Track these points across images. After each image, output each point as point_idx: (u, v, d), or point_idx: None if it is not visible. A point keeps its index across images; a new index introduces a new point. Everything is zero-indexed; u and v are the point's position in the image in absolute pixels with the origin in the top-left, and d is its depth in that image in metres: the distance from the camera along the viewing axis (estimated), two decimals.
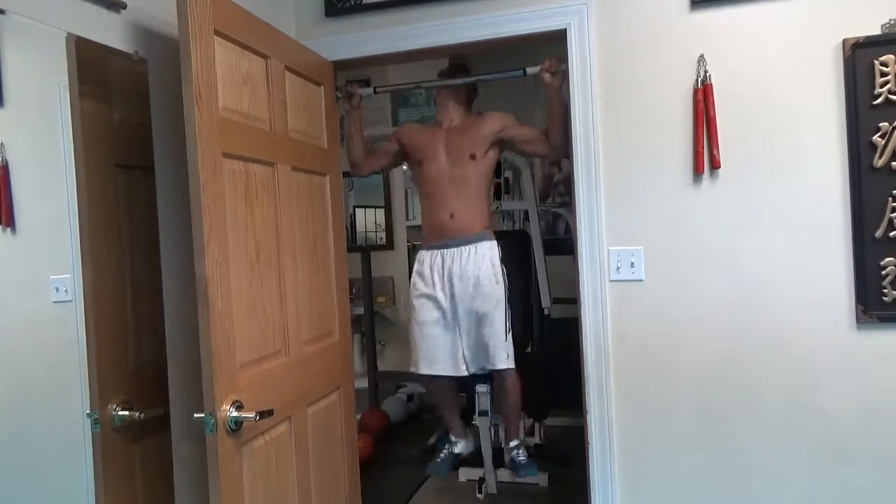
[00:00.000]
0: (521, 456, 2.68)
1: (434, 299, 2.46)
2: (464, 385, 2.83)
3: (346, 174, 2.44)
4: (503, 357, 2.46)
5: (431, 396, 2.74)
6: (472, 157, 2.45)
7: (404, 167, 2.96)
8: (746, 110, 1.99)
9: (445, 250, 2.46)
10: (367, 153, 2.65)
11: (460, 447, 2.74)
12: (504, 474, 3.08)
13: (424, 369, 2.53)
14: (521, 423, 2.87)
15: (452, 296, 2.45)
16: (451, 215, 2.45)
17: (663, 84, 2.05)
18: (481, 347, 2.47)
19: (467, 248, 2.44)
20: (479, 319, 2.44)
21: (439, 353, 2.49)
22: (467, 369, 2.54)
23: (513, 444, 2.73)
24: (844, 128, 1.92)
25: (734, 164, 2.00)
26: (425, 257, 2.51)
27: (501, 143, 2.52)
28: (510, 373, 2.54)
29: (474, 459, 3.09)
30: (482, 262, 2.43)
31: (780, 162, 1.97)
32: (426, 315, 2.48)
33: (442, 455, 2.71)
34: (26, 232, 1.47)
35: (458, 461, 2.79)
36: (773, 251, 1.99)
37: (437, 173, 2.47)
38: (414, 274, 2.55)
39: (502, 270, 2.48)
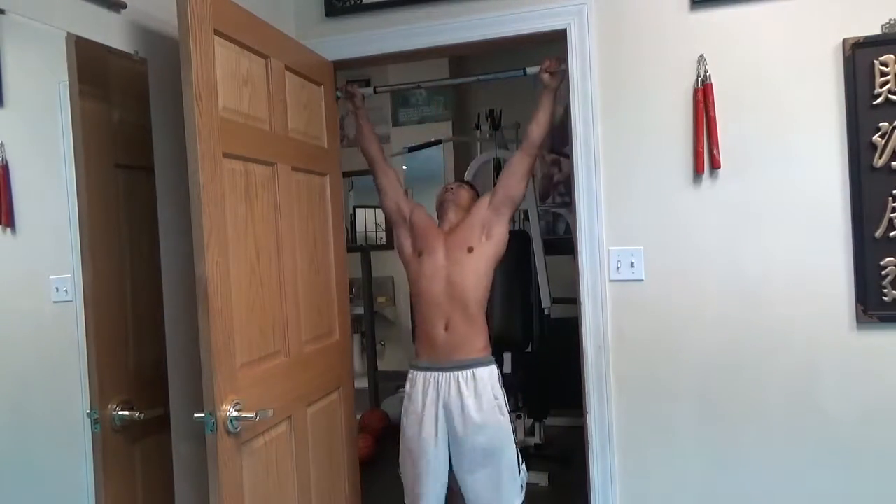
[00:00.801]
0: None
1: (426, 431, 2.16)
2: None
3: (346, 174, 2.44)
4: (516, 492, 2.16)
5: None
6: (470, 250, 2.21)
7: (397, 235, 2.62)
8: (746, 110, 1.99)
9: (441, 374, 2.16)
10: (384, 157, 2.45)
11: None
12: None
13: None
14: None
15: (450, 434, 2.14)
16: (446, 327, 2.18)
17: (663, 84, 2.05)
18: (490, 486, 2.15)
19: (464, 373, 2.14)
20: (486, 457, 2.13)
21: (437, 492, 2.19)
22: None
23: None
24: (844, 128, 1.92)
25: (734, 164, 2.00)
26: (418, 379, 2.21)
27: (502, 208, 2.26)
28: None
29: None
30: (483, 392, 2.13)
31: (780, 162, 1.97)
32: (416, 453, 2.18)
33: None
34: (26, 232, 1.47)
35: None
36: (773, 251, 1.99)
37: (433, 271, 2.23)
38: (405, 395, 2.25)
39: (505, 400, 2.18)
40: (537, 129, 2.21)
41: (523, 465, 2.21)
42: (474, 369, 2.15)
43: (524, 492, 2.21)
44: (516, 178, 2.25)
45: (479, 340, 2.20)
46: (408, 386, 2.25)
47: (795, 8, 1.95)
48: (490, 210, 2.25)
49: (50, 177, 1.53)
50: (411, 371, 2.26)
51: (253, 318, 1.69)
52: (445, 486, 2.22)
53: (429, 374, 2.19)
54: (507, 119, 4.20)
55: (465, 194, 2.37)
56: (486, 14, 2.17)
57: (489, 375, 2.17)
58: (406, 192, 2.52)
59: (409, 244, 2.36)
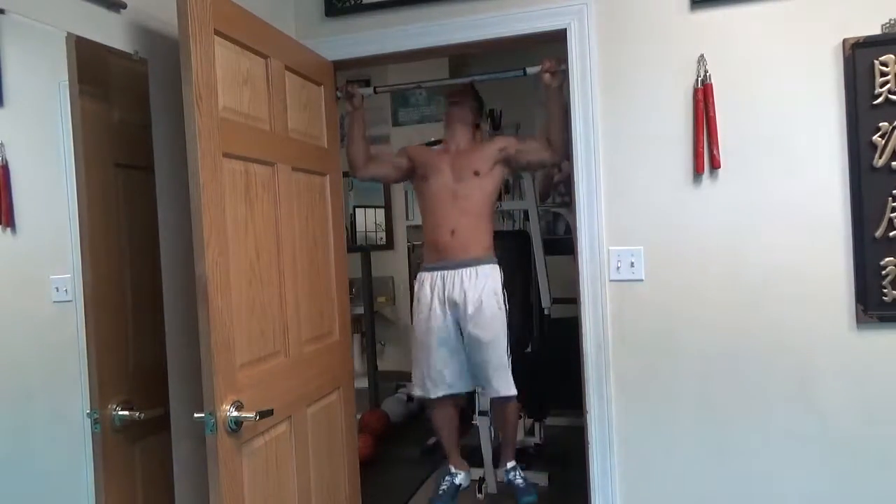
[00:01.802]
0: (519, 479, 2.64)
1: (436, 322, 2.42)
2: (466, 414, 2.81)
3: (346, 174, 2.44)
4: (504, 385, 2.41)
5: (435, 421, 2.66)
6: (476, 173, 2.41)
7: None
8: (746, 110, 1.99)
9: (445, 272, 2.40)
10: (369, 157, 2.61)
11: (461, 478, 2.70)
12: (504, 474, 3.08)
13: (431, 393, 2.48)
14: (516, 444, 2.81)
15: (453, 320, 2.41)
16: (453, 232, 2.39)
17: (663, 84, 2.05)
18: (482, 374, 2.43)
19: (468, 270, 2.38)
20: (480, 345, 2.39)
21: (448, 374, 2.45)
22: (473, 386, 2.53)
23: (509, 465, 2.69)
24: (844, 127, 1.92)
25: (734, 164, 2.00)
26: (425, 279, 2.46)
27: (507, 162, 2.48)
28: (511, 399, 2.50)
29: (474, 459, 3.09)
30: (483, 286, 2.37)
31: (780, 161, 1.97)
32: (430, 337, 2.43)
33: (444, 487, 2.66)
34: (26, 232, 1.47)
35: (459, 493, 2.75)
36: (772, 251, 1.99)
37: (440, 188, 2.43)
38: (415, 296, 2.50)
39: (504, 297, 2.42)
40: (556, 131, 2.33)
41: (509, 358, 2.45)
42: (477, 267, 2.39)
43: (512, 386, 2.44)
44: (532, 153, 2.44)
45: (483, 242, 2.44)
46: (416, 287, 2.50)
47: (795, 8, 1.95)
48: (500, 154, 2.45)
49: (50, 177, 1.53)
50: (420, 274, 2.50)
51: (253, 318, 1.69)
52: (462, 362, 2.47)
53: (435, 273, 2.44)
54: (507, 119, 4.19)
55: (469, 114, 2.53)
56: (486, 14, 2.17)
57: (491, 271, 2.42)
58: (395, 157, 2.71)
59: (415, 175, 2.57)
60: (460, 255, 2.38)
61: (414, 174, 2.57)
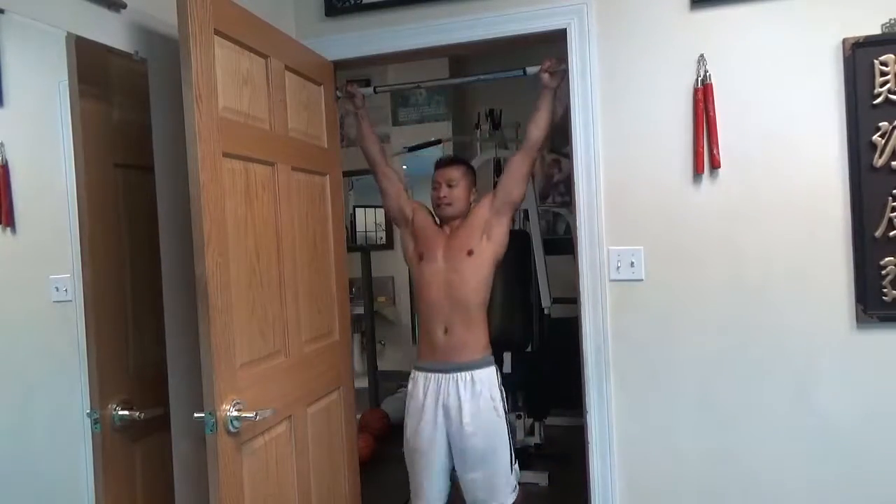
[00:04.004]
0: None
1: (428, 430, 2.22)
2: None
3: (346, 174, 2.44)
4: (508, 492, 2.22)
5: None
6: (470, 252, 2.22)
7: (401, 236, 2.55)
8: (746, 110, 1.99)
9: (441, 376, 2.21)
10: (385, 158, 2.47)
11: None
12: None
13: None
14: None
15: (448, 434, 2.21)
16: (446, 330, 2.21)
17: (663, 84, 2.05)
18: (484, 485, 2.22)
19: (463, 375, 2.19)
20: (482, 458, 2.20)
21: (443, 487, 2.27)
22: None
23: None
24: (844, 127, 1.92)
25: (734, 164, 2.00)
26: (419, 379, 2.27)
27: (500, 215, 2.27)
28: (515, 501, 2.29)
29: None
30: (480, 394, 2.18)
31: (779, 161, 1.97)
32: (423, 444, 2.23)
33: None
34: (26, 232, 1.47)
35: None
36: (772, 251, 1.99)
37: (433, 275, 2.24)
38: (408, 394, 2.31)
39: (503, 401, 2.23)
40: (537, 129, 2.22)
41: (516, 465, 2.26)
42: (473, 371, 2.20)
43: (517, 492, 2.26)
44: (516, 180, 2.25)
45: (478, 343, 2.24)
46: (410, 385, 2.31)
47: (795, 8, 1.95)
48: (491, 212, 2.26)
49: (50, 177, 1.53)
50: (413, 371, 2.31)
51: (253, 318, 1.69)
52: (447, 482, 2.27)
53: (429, 374, 2.25)
54: (507, 119, 4.20)
55: (460, 195, 2.29)
56: (486, 14, 2.17)
57: (487, 377, 2.21)
58: (406, 191, 2.52)
59: (412, 246, 2.37)
60: (454, 357, 2.20)
61: (410, 239, 2.38)
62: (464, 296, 2.20)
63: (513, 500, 2.24)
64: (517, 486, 2.26)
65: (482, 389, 2.19)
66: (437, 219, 2.38)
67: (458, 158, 2.44)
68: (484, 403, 2.18)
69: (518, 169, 2.25)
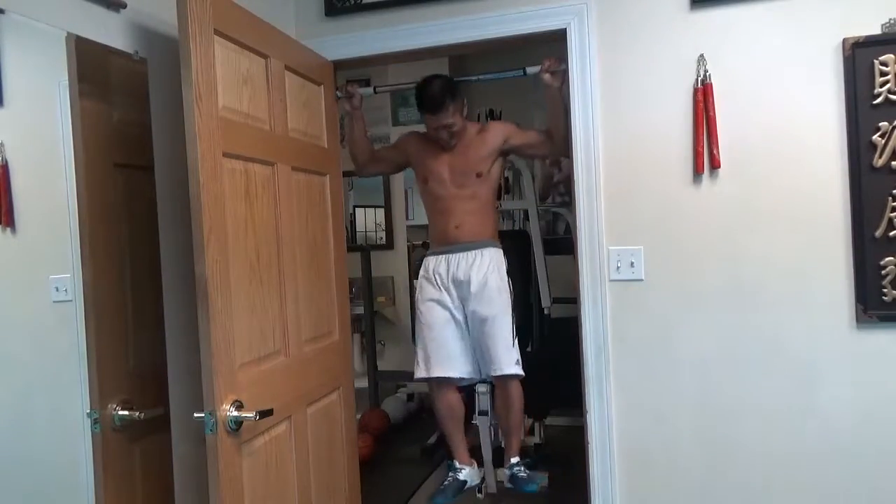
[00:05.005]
0: (523, 472, 2.53)
1: (442, 302, 2.42)
2: (468, 404, 2.72)
3: (346, 174, 2.44)
4: (510, 362, 2.35)
5: (439, 410, 2.55)
6: (479, 175, 2.40)
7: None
8: (746, 110, 1.99)
9: (451, 255, 2.42)
10: (372, 156, 2.58)
11: (465, 474, 2.58)
12: (504, 474, 3.08)
13: (438, 371, 2.41)
14: (521, 436, 2.69)
15: (458, 299, 2.42)
16: (457, 226, 2.41)
17: (663, 84, 2.05)
18: (487, 352, 2.40)
19: (472, 252, 2.40)
20: (484, 324, 2.37)
21: (454, 354, 2.41)
22: (480, 374, 2.47)
23: (514, 460, 2.57)
24: (844, 127, 1.92)
25: (734, 164, 2.00)
26: (430, 262, 2.47)
27: (506, 152, 2.49)
28: (515, 380, 2.42)
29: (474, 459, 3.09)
30: (487, 267, 2.39)
31: (779, 161, 1.97)
32: (436, 317, 2.42)
33: (446, 482, 2.56)
34: (26, 232, 1.47)
35: (464, 488, 2.59)
36: (772, 251, 1.99)
37: (442, 193, 2.42)
38: (420, 279, 2.51)
39: (509, 281, 2.43)
40: (556, 130, 2.31)
41: (515, 343, 2.42)
42: (482, 249, 2.41)
43: (519, 366, 2.41)
44: (532, 146, 2.46)
45: (488, 230, 2.46)
46: (421, 271, 2.51)
47: (795, 8, 1.95)
48: (507, 146, 2.44)
49: (50, 177, 1.53)
50: (425, 258, 2.51)
51: (253, 318, 1.69)
52: (461, 355, 2.44)
53: (440, 256, 2.45)
54: (507, 119, 4.19)
55: (458, 126, 2.39)
56: (486, 14, 2.17)
57: (495, 256, 2.43)
58: (394, 149, 2.69)
59: (415, 172, 2.56)
60: (466, 240, 2.41)
61: (414, 169, 2.57)
62: (474, 206, 2.40)
63: (516, 373, 2.38)
64: (518, 362, 2.40)
65: (490, 263, 2.39)
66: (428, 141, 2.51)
67: (439, 93, 2.34)
68: (491, 276, 2.38)
69: (538, 146, 2.44)
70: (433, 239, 2.52)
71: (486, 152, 2.40)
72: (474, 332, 2.43)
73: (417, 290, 2.53)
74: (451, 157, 2.40)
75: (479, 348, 2.44)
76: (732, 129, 1.99)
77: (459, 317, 2.44)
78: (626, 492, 2.13)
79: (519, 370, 2.40)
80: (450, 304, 2.42)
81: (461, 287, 2.40)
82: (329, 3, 2.34)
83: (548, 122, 2.36)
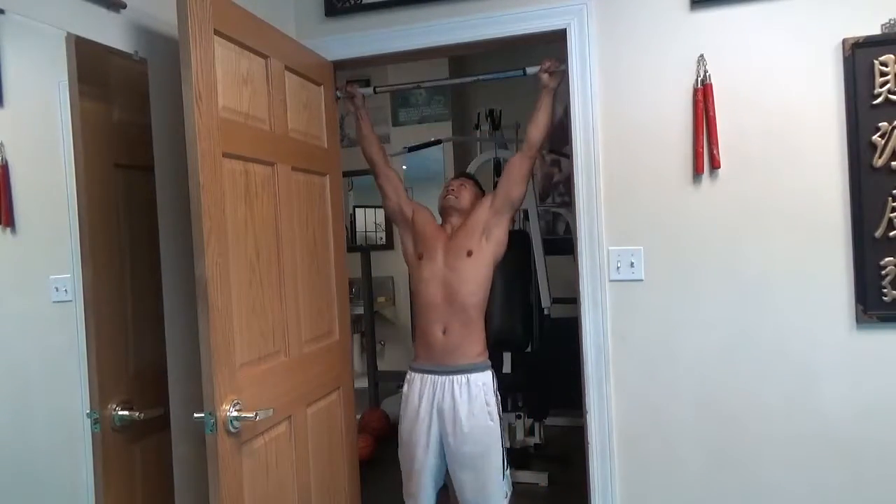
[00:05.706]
0: None
1: (422, 432, 2.21)
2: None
3: (346, 174, 2.44)
4: (500, 498, 2.21)
5: None
6: (470, 253, 2.22)
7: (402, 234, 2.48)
8: (747, 110, 1.99)
9: (437, 378, 2.20)
10: (386, 159, 2.46)
11: None
12: None
13: (412, 490, 2.26)
14: None
15: (442, 434, 2.20)
16: (444, 331, 2.20)
17: (663, 84, 2.05)
18: (477, 485, 2.21)
19: (459, 378, 2.18)
20: (473, 460, 2.19)
21: (427, 487, 2.24)
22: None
23: None
24: (844, 127, 1.92)
25: (734, 164, 2.00)
26: (415, 380, 2.27)
27: (500, 215, 2.27)
28: None
29: None
30: (476, 398, 2.17)
31: (779, 161, 1.97)
32: (414, 447, 2.23)
33: None
34: (26, 232, 1.47)
35: None
36: (772, 251, 1.99)
37: (432, 275, 2.24)
38: (403, 395, 2.31)
39: (498, 406, 2.20)
40: (536, 130, 2.22)
41: (508, 472, 2.25)
42: (469, 374, 2.19)
43: (508, 498, 2.24)
44: (516, 180, 2.26)
45: (475, 345, 2.23)
46: (406, 387, 2.31)
47: (795, 8, 1.95)
48: (490, 212, 2.27)
49: (50, 177, 1.53)
50: (409, 372, 2.31)
51: (253, 318, 1.69)
52: (440, 482, 2.27)
53: (425, 376, 2.24)
54: (507, 119, 4.20)
55: (467, 196, 2.35)
56: (486, 14, 2.17)
57: (483, 381, 2.20)
58: (407, 192, 2.52)
59: (412, 246, 2.38)
60: (451, 360, 2.20)
61: (409, 239, 2.39)
62: (462, 297, 2.20)
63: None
64: (509, 494, 2.25)
65: (478, 393, 2.18)
66: (439, 219, 2.39)
67: (467, 173, 2.53)
68: (479, 408, 2.17)
69: (517, 169, 2.26)
70: (418, 344, 2.29)
71: (474, 229, 2.25)
72: (458, 471, 2.20)
73: (402, 400, 2.30)
74: (448, 239, 2.28)
75: (465, 479, 2.20)
76: (732, 130, 1.99)
77: (435, 447, 2.21)
78: (625, 492, 2.13)
79: (507, 501, 2.24)
80: (428, 435, 2.20)
81: (445, 419, 2.18)
82: (329, 3, 2.34)
83: (531, 118, 2.23)
